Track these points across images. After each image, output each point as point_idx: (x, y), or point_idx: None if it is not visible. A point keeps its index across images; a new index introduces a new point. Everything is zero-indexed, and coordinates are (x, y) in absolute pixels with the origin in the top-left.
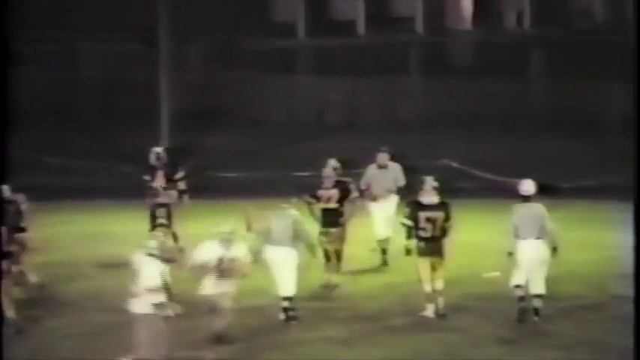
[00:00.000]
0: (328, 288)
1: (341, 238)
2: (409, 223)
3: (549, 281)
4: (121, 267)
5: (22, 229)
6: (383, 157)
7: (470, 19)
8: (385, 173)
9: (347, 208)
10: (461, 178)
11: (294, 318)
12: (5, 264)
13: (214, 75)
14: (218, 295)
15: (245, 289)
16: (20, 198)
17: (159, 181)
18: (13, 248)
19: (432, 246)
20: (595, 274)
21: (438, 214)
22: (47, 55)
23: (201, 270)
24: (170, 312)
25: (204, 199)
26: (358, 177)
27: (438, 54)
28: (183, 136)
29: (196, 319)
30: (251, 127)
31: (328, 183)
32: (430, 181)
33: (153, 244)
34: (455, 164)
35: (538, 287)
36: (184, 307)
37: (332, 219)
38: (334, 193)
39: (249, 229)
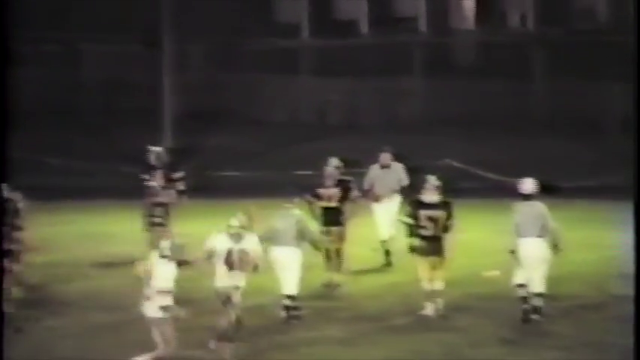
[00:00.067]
0: (330, 287)
1: (342, 237)
2: (409, 220)
3: (550, 281)
4: (121, 267)
5: (19, 228)
6: (386, 157)
7: (472, 19)
8: (388, 173)
9: (348, 207)
10: (462, 177)
11: (296, 317)
12: (6, 262)
13: (216, 75)
14: (230, 288)
15: (247, 288)
16: (16, 196)
17: (158, 181)
18: (13, 247)
19: (433, 245)
20: (595, 274)
21: (439, 213)
22: (48, 56)
23: (209, 259)
24: (181, 313)
25: (206, 198)
26: (360, 176)
27: (440, 54)
28: (185, 137)
29: (205, 317)
30: (253, 127)
31: (329, 182)
32: (432, 180)
33: (166, 245)
34: (456, 164)
35: (538, 286)
36: (193, 305)
37: (333, 218)
38: (335, 191)
39: (250, 227)
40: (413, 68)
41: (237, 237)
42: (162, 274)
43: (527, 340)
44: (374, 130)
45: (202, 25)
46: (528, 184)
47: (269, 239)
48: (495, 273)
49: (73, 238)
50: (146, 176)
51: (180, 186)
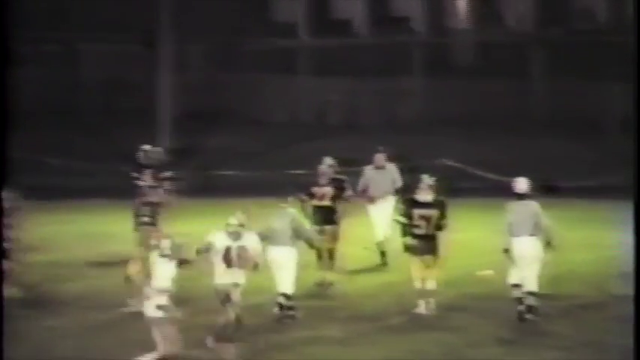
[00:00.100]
0: (322, 286)
1: (335, 236)
2: (402, 220)
3: (549, 281)
4: (121, 266)
5: (11, 227)
6: (380, 157)
7: (469, 19)
8: (382, 174)
9: (341, 206)
10: (458, 177)
11: (291, 317)
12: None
13: (216, 75)
14: (230, 285)
15: (244, 288)
16: (7, 195)
17: (147, 180)
18: (6, 245)
19: (426, 244)
20: (595, 273)
21: (433, 212)
22: (48, 56)
23: (206, 253)
24: (177, 314)
25: (205, 198)
26: (356, 175)
27: (439, 54)
28: (185, 137)
29: (203, 316)
30: (252, 127)
31: (323, 180)
32: (426, 179)
33: (166, 244)
34: (450, 163)
35: (531, 284)
36: (192, 303)
37: (326, 216)
38: (328, 190)
39: (249, 226)
40: (412, 68)
41: (235, 235)
42: (162, 273)
43: (525, 340)
44: (373, 130)
45: (201, 24)
46: (522, 184)
47: (266, 239)
48: (489, 272)
49: (73, 237)
50: (137, 175)
51: (168, 185)
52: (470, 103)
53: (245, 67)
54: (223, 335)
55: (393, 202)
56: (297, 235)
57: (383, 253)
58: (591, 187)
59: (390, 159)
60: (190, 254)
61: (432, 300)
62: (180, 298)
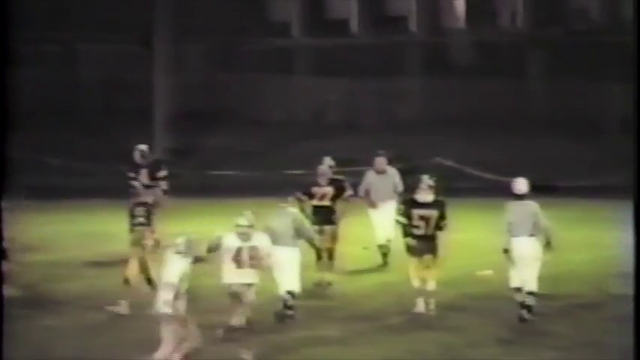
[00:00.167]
0: (321, 286)
1: (334, 236)
2: (402, 220)
3: (548, 281)
4: (120, 266)
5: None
6: (381, 161)
7: (464, 18)
8: (384, 179)
9: (340, 206)
10: (457, 177)
11: (290, 317)
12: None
13: (213, 75)
14: (240, 286)
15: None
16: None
17: (142, 179)
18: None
19: (425, 244)
20: (593, 273)
21: (432, 213)
22: (48, 56)
23: (215, 251)
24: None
25: (204, 198)
26: (355, 175)
27: (436, 54)
28: (184, 137)
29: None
30: (251, 127)
31: (323, 180)
32: (426, 180)
33: (181, 241)
34: (447, 163)
35: (530, 284)
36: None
37: (325, 217)
38: (329, 190)
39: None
40: (410, 68)
41: (246, 236)
42: (172, 269)
43: (525, 340)
44: (372, 130)
45: (199, 24)
46: (521, 184)
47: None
48: (488, 272)
49: (72, 237)
50: (132, 174)
51: (164, 185)
52: (468, 103)
53: (243, 67)
54: (234, 334)
55: (395, 205)
56: (299, 234)
57: (385, 255)
58: (590, 186)
59: (389, 160)
60: (203, 251)
61: (431, 300)
62: (189, 296)
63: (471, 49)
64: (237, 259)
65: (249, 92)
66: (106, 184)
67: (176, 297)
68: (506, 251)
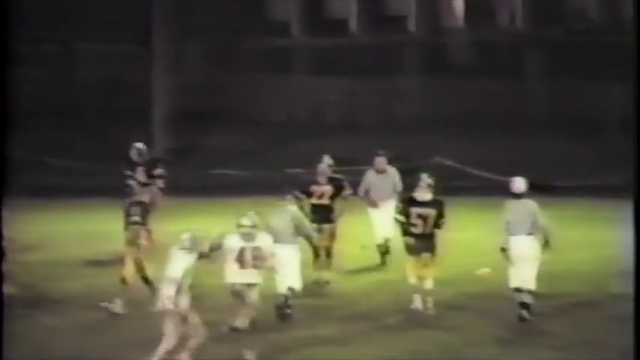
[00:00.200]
0: (319, 285)
1: (333, 235)
2: (401, 218)
3: (547, 279)
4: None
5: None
6: (381, 161)
7: (463, 18)
8: (384, 179)
9: (338, 204)
10: (456, 176)
11: (288, 316)
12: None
13: (212, 75)
14: (243, 286)
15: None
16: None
17: (139, 177)
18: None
19: (423, 242)
20: (592, 272)
21: (430, 211)
22: (47, 56)
23: (217, 250)
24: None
25: (204, 197)
26: (353, 174)
27: (435, 53)
28: (182, 136)
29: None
30: (249, 127)
31: (322, 179)
32: (425, 178)
33: (186, 237)
34: (446, 162)
35: (529, 283)
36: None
37: (324, 215)
38: (327, 189)
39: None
40: (409, 68)
41: (249, 236)
42: (176, 265)
43: (523, 340)
44: (371, 129)
45: (198, 24)
46: (519, 183)
47: None
48: (486, 270)
49: (72, 236)
50: (129, 173)
51: (160, 183)
52: (468, 103)
53: (242, 66)
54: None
55: (394, 205)
56: (298, 231)
57: (383, 254)
58: (589, 185)
59: (389, 160)
60: (207, 248)
61: (429, 298)
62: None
63: (470, 48)
64: (241, 260)
65: (248, 92)
66: (105, 184)
67: (179, 292)
68: (503, 250)
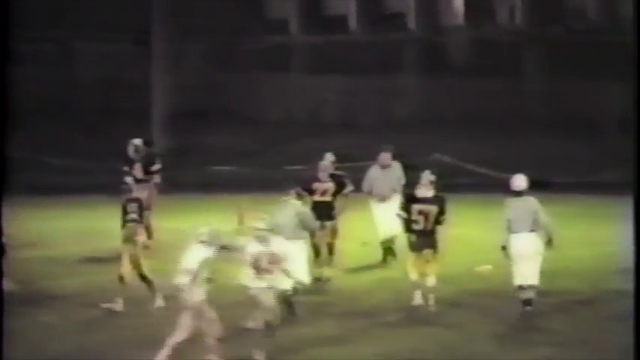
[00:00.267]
0: (320, 282)
1: (334, 232)
2: (402, 214)
3: (547, 277)
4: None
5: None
6: (386, 156)
7: (462, 16)
8: (388, 173)
9: (339, 201)
10: (454, 173)
11: (292, 313)
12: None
13: (211, 74)
14: (258, 290)
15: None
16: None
17: (136, 173)
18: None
19: (424, 239)
20: (592, 270)
21: (431, 208)
22: (46, 55)
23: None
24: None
25: (201, 194)
26: (352, 172)
27: (434, 52)
28: (181, 135)
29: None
30: (248, 125)
31: (324, 176)
32: (427, 175)
33: (204, 231)
34: (447, 159)
35: (531, 278)
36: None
37: (326, 212)
38: (330, 186)
39: (240, 223)
40: (408, 66)
41: (264, 240)
42: (192, 256)
43: (523, 337)
44: (370, 127)
45: (196, 23)
46: (520, 180)
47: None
48: (487, 267)
49: (71, 233)
50: (127, 169)
51: (157, 179)
52: (467, 101)
53: (241, 65)
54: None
55: (399, 200)
56: (304, 225)
57: (386, 251)
58: (588, 182)
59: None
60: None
61: (431, 295)
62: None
63: (469, 46)
64: (257, 266)
65: (247, 91)
66: (104, 182)
67: (193, 283)
68: (504, 248)
